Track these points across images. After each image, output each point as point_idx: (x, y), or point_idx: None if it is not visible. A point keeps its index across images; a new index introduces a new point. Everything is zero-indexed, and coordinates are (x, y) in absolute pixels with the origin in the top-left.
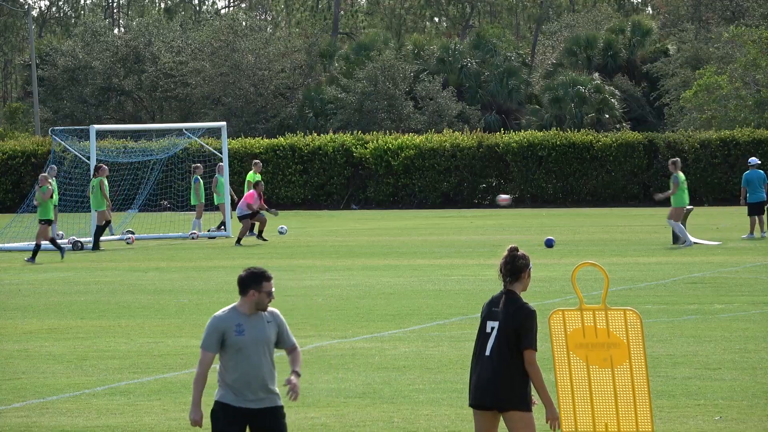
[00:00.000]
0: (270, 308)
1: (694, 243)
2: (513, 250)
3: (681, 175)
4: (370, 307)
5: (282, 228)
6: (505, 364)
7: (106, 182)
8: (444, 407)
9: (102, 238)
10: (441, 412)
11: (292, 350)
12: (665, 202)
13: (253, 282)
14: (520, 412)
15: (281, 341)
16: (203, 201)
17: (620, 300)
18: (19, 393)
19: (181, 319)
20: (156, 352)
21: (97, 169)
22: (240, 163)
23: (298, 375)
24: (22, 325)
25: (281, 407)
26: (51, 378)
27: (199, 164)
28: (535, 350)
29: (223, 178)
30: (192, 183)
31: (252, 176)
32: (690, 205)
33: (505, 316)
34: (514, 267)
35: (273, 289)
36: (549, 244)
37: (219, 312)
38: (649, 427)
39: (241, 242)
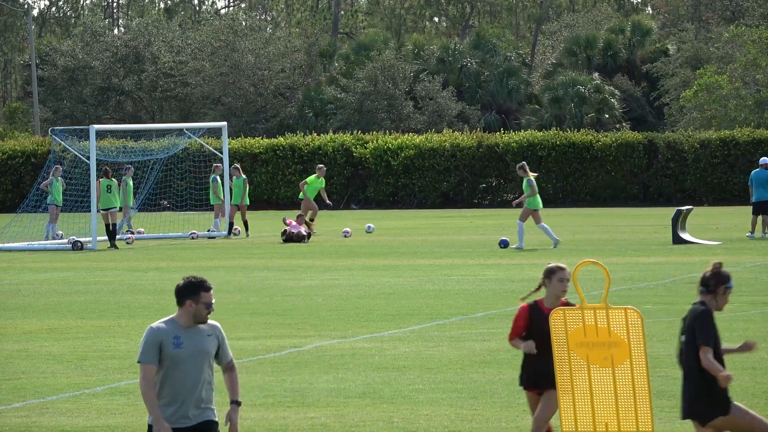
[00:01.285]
0: (210, 321)
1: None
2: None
3: (531, 177)
4: (370, 307)
5: (369, 227)
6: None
7: (130, 182)
8: (444, 407)
9: (100, 238)
10: (441, 412)
11: (229, 368)
12: (665, 202)
13: (190, 292)
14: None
15: (219, 356)
16: (222, 200)
17: (620, 300)
18: (19, 393)
19: None
20: None
21: (126, 170)
22: (240, 163)
23: (238, 405)
24: (22, 325)
25: (216, 422)
26: (51, 378)
27: (219, 164)
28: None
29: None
30: (210, 182)
31: (312, 179)
32: (690, 205)
33: None
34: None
35: (213, 300)
36: (503, 244)
37: (155, 323)
38: (649, 426)
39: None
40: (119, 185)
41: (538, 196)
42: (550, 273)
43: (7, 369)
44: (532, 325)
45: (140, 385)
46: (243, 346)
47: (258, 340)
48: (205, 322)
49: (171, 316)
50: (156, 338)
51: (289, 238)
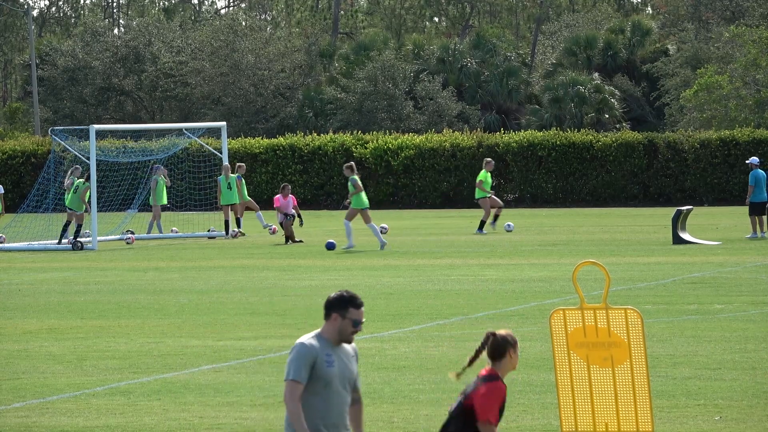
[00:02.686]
0: (353, 344)
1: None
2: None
3: (356, 178)
4: (370, 307)
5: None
6: None
7: (161, 181)
8: (444, 407)
9: (100, 237)
10: (441, 412)
11: (357, 400)
12: (665, 202)
13: (339, 306)
14: None
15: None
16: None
17: (620, 300)
18: (19, 393)
19: (181, 319)
20: (156, 352)
21: (156, 169)
22: (238, 163)
23: None
24: (22, 325)
25: None
26: (51, 378)
27: (242, 163)
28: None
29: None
30: (233, 182)
31: (484, 175)
32: (690, 205)
33: None
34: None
35: (362, 319)
36: (330, 246)
37: (305, 339)
38: (649, 426)
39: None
40: (148, 184)
41: (363, 194)
42: (506, 343)
43: (7, 369)
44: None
45: (287, 404)
46: (243, 346)
47: (258, 340)
48: (349, 341)
49: (317, 330)
50: (310, 355)
51: (289, 235)
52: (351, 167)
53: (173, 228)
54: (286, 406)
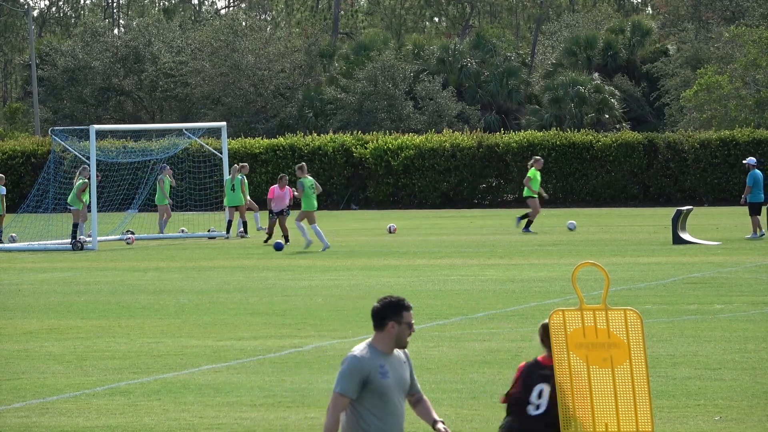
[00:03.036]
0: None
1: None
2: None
3: (308, 179)
4: (370, 307)
5: (571, 224)
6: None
7: (167, 181)
8: (444, 407)
9: (101, 238)
10: (441, 412)
11: (420, 398)
12: (665, 202)
13: (393, 313)
14: None
15: (411, 386)
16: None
17: (620, 300)
18: (19, 393)
19: (181, 319)
20: (156, 352)
21: (162, 169)
22: (240, 163)
23: (442, 422)
24: (22, 325)
25: None
26: (51, 378)
27: (245, 164)
28: None
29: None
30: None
31: (533, 173)
32: (690, 205)
33: None
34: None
35: (413, 321)
36: (277, 247)
37: (357, 351)
38: (649, 427)
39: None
40: (150, 184)
41: (314, 197)
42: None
43: (7, 369)
44: None
45: (327, 414)
46: (243, 346)
47: (258, 340)
48: (406, 345)
49: (366, 341)
50: (363, 369)
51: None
52: (302, 168)
53: (182, 228)
54: (326, 415)
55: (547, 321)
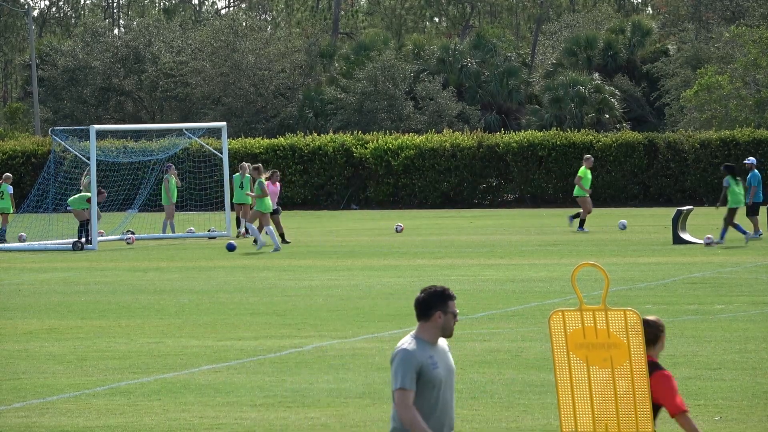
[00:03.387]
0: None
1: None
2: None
3: (264, 180)
4: (370, 307)
5: (622, 223)
6: None
7: (173, 181)
8: None
9: (101, 238)
10: None
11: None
12: (665, 202)
13: (439, 302)
14: None
15: None
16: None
17: (620, 300)
18: (19, 393)
19: (181, 319)
20: (156, 352)
21: (167, 168)
22: (240, 163)
23: None
24: (22, 325)
25: None
26: (51, 378)
27: (245, 164)
28: None
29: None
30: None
31: (584, 171)
32: (690, 205)
33: None
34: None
35: (458, 311)
36: (230, 248)
37: (405, 344)
38: (649, 427)
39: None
40: (150, 184)
41: (268, 199)
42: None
43: (7, 369)
44: None
45: (401, 414)
46: (243, 346)
47: (258, 340)
48: (451, 335)
49: (411, 333)
50: (416, 361)
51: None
52: (258, 169)
53: (190, 228)
54: (400, 416)
55: (649, 317)
